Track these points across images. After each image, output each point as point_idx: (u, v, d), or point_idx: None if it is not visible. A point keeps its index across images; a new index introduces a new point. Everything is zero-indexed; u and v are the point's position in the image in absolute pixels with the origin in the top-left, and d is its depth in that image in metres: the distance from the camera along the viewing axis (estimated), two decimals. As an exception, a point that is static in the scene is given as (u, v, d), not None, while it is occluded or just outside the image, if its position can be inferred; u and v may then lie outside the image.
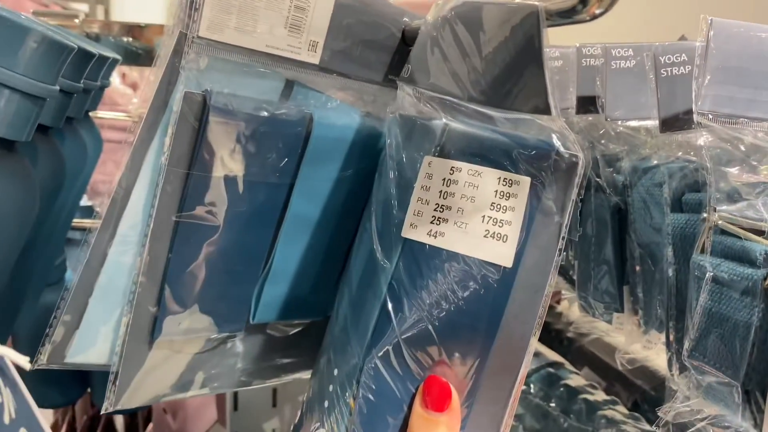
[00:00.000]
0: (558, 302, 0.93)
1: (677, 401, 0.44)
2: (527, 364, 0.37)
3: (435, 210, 0.37)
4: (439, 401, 0.38)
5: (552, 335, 0.94)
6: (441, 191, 0.37)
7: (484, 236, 0.36)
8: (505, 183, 0.35)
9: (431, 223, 0.37)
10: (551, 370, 0.74)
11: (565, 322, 0.92)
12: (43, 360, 0.42)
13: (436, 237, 0.37)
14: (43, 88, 0.37)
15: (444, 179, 0.37)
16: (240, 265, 0.46)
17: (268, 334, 0.51)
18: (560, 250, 0.35)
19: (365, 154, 0.48)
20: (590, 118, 0.57)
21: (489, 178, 0.36)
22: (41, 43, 0.36)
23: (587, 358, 0.86)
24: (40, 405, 0.60)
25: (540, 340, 0.85)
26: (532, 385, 0.73)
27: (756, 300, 0.39)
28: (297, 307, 0.50)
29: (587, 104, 0.55)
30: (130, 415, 1.31)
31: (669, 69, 0.47)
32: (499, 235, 0.35)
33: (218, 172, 0.42)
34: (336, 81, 0.48)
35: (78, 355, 0.43)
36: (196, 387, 0.48)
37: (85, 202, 1.03)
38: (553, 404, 0.69)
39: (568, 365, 0.76)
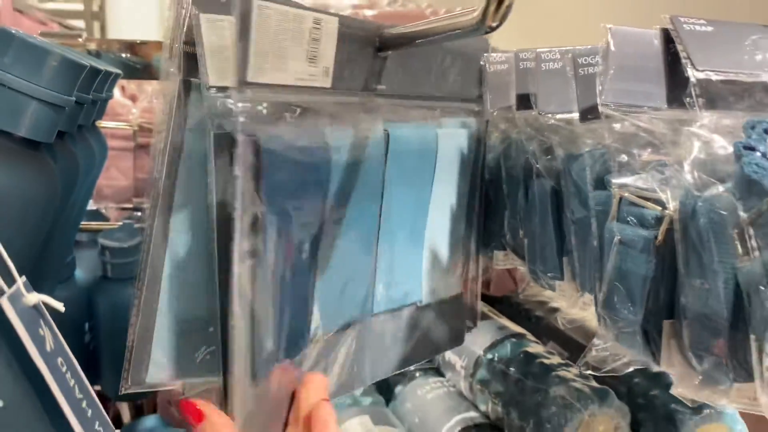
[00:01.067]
0: (512, 274, 1.01)
1: (596, 346, 0.53)
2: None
3: None
4: (193, 415, 0.47)
5: (522, 314, 1.02)
6: None
7: None
8: None
9: None
10: (514, 340, 0.83)
11: (532, 301, 1.01)
12: (128, 385, 0.49)
13: None
14: (63, 98, 0.46)
15: None
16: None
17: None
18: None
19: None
20: (533, 113, 0.66)
21: None
22: (61, 62, 0.45)
23: (552, 333, 0.95)
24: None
25: (509, 317, 0.94)
26: (496, 354, 0.81)
27: (650, 256, 0.48)
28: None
29: (525, 101, 0.64)
30: (136, 407, 1.38)
31: (585, 69, 0.56)
32: None
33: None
34: (342, 98, 0.56)
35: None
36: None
37: (90, 206, 1.12)
38: (513, 369, 0.78)
39: (529, 336, 0.85)
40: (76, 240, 0.95)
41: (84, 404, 0.37)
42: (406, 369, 0.94)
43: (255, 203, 0.46)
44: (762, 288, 0.38)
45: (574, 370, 0.75)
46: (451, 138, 0.67)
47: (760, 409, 0.40)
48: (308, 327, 0.53)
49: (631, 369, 0.52)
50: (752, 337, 0.39)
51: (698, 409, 0.74)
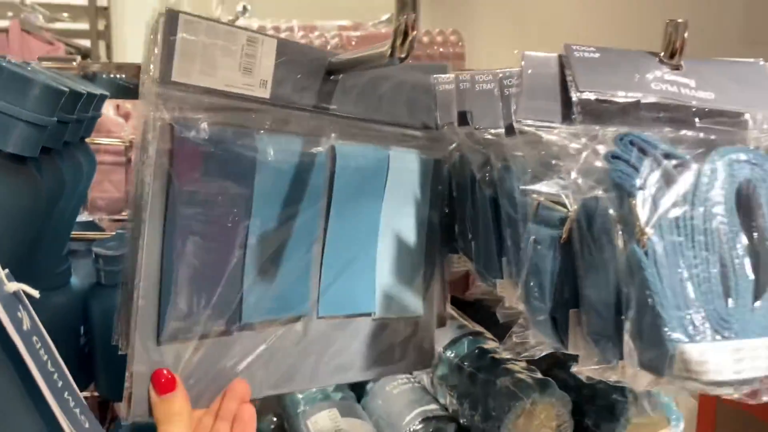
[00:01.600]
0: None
1: (516, 333, 0.60)
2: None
3: None
4: (162, 384, 0.55)
5: (491, 318, 1.09)
6: None
7: None
8: None
9: None
10: (471, 337, 0.90)
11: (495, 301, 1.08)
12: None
13: None
14: (44, 119, 0.54)
15: None
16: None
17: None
18: None
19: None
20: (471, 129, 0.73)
21: None
22: (43, 89, 0.53)
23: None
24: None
25: (479, 320, 1.00)
26: (454, 351, 0.88)
27: (556, 252, 0.55)
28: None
29: (463, 118, 0.71)
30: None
31: (509, 89, 0.63)
32: None
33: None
34: (282, 112, 0.64)
35: None
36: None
37: (86, 217, 1.20)
38: (467, 363, 0.85)
39: (487, 334, 0.92)
40: (73, 249, 1.01)
41: (55, 376, 0.44)
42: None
43: (166, 177, 0.57)
44: (627, 276, 0.45)
45: (522, 364, 0.82)
46: (405, 161, 0.73)
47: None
48: (228, 308, 0.61)
49: (544, 353, 0.58)
50: (623, 318, 0.46)
51: (636, 398, 0.80)
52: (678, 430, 0.81)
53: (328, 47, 1.40)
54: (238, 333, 0.63)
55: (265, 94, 0.61)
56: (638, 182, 0.44)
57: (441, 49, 1.52)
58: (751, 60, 0.54)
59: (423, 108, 0.75)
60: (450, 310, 1.00)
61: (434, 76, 0.78)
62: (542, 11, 2.58)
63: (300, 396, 0.96)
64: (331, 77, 0.65)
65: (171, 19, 0.56)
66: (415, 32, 0.46)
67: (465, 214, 0.79)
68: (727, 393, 0.43)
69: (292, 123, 0.64)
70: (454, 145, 0.79)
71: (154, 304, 0.59)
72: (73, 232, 1.00)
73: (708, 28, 1.86)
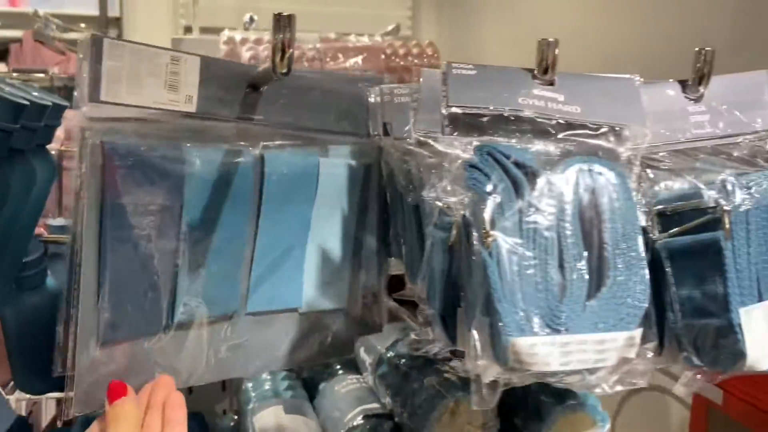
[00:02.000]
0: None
1: (415, 331, 0.64)
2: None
3: None
4: (116, 394, 0.59)
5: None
6: None
7: None
8: None
9: None
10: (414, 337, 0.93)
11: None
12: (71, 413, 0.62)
13: None
14: (-26, 129, 0.59)
15: None
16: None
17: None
18: None
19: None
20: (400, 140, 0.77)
21: None
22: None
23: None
24: (26, 392, 0.78)
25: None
26: (394, 351, 0.92)
27: (445, 254, 0.59)
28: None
29: (385, 129, 0.75)
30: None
31: (417, 102, 0.67)
32: None
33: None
34: (209, 124, 0.68)
35: None
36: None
37: (61, 222, 1.25)
38: (403, 362, 0.88)
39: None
40: (52, 252, 1.06)
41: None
42: (330, 367, 1.05)
43: (99, 192, 0.61)
44: (479, 275, 0.49)
45: (453, 364, 0.85)
46: (336, 167, 0.77)
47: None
48: (162, 310, 0.65)
49: (437, 350, 0.62)
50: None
51: (562, 399, 0.84)
52: (603, 431, 0.84)
53: (303, 59, 1.45)
54: (171, 332, 0.68)
55: (191, 108, 0.65)
56: (488, 188, 0.48)
57: (416, 61, 1.56)
58: (626, 76, 0.58)
59: (354, 116, 0.79)
60: (402, 312, 1.04)
61: (368, 87, 0.82)
62: (549, 22, 2.61)
63: (253, 394, 1.00)
64: (259, 89, 0.70)
65: (96, 43, 0.60)
66: (291, 50, 0.50)
67: (397, 219, 0.83)
68: (564, 384, 0.46)
69: (219, 134, 0.68)
70: (397, 154, 0.83)
71: (91, 308, 0.63)
72: (49, 235, 1.06)
73: (696, 34, 1.88)
